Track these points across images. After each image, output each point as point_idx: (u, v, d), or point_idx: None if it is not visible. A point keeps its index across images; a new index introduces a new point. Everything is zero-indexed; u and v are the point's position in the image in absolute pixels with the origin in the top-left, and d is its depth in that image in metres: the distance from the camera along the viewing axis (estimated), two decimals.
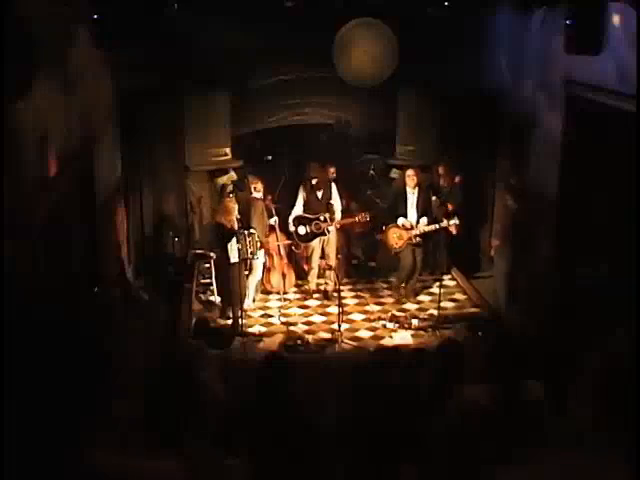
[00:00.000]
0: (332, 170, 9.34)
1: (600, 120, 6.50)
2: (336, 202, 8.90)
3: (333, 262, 8.85)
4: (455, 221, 8.44)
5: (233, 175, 9.53)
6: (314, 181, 8.77)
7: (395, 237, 8.64)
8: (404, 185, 8.71)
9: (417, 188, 8.61)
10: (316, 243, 8.92)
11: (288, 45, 8.89)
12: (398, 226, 8.65)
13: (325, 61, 8.47)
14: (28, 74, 4.36)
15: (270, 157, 10.07)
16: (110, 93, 8.34)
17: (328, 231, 8.78)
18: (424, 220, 8.60)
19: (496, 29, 9.10)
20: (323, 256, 9.07)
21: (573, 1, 5.98)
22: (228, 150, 9.30)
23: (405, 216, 8.64)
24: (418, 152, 9.48)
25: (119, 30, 6.24)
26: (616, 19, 5.95)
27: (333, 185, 8.89)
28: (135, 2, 6.97)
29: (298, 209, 8.87)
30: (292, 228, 8.88)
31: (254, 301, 8.97)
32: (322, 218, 8.74)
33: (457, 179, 9.36)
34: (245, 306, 8.71)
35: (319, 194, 8.82)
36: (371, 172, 10.09)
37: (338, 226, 8.85)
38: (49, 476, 1.84)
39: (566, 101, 7.21)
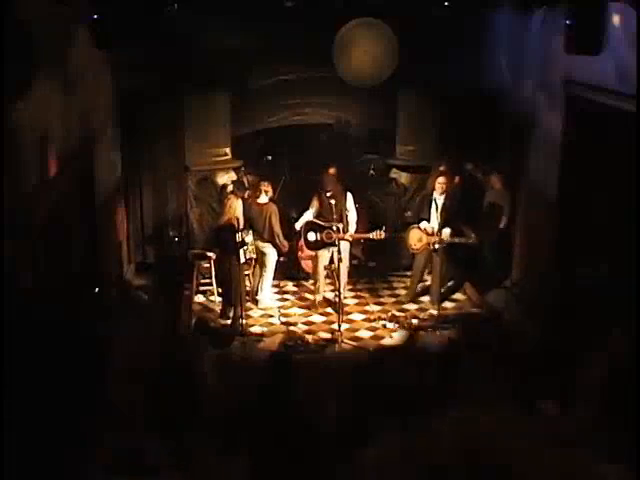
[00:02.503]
0: (332, 171, 9.32)
1: (600, 120, 6.51)
2: (351, 213, 8.55)
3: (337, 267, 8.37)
4: (474, 239, 8.26)
5: (233, 175, 9.53)
6: (329, 193, 8.41)
7: (415, 239, 8.46)
8: (432, 189, 8.52)
9: (444, 195, 8.40)
10: (324, 255, 8.61)
11: (288, 45, 8.88)
12: (420, 228, 8.48)
13: (325, 61, 8.46)
14: (28, 74, 4.36)
15: (270, 157, 10.07)
16: (110, 93, 8.35)
17: (339, 242, 8.26)
18: (447, 230, 8.33)
19: (496, 29, 9.11)
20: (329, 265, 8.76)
21: (573, 1, 5.97)
22: (228, 150, 9.31)
23: (428, 220, 8.45)
24: (418, 152, 9.48)
25: (119, 30, 6.25)
26: (616, 19, 5.96)
27: (349, 195, 8.55)
28: (135, 2, 6.98)
29: (307, 216, 8.55)
30: (298, 228, 8.58)
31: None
32: (335, 228, 8.30)
33: (457, 179, 9.35)
34: (262, 305, 8.79)
35: (333, 204, 8.39)
36: (371, 172, 10.08)
37: (351, 239, 8.49)
38: (50, 477, 1.84)
39: (566, 101, 7.21)
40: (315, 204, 8.54)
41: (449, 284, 9.02)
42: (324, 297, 8.94)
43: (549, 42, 7.48)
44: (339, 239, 8.26)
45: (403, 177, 10.10)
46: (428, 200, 8.56)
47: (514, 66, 8.73)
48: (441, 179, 8.46)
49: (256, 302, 8.83)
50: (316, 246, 8.52)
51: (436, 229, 8.40)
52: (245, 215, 8.45)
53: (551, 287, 7.46)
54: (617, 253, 6.40)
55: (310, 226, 8.48)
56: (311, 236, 8.48)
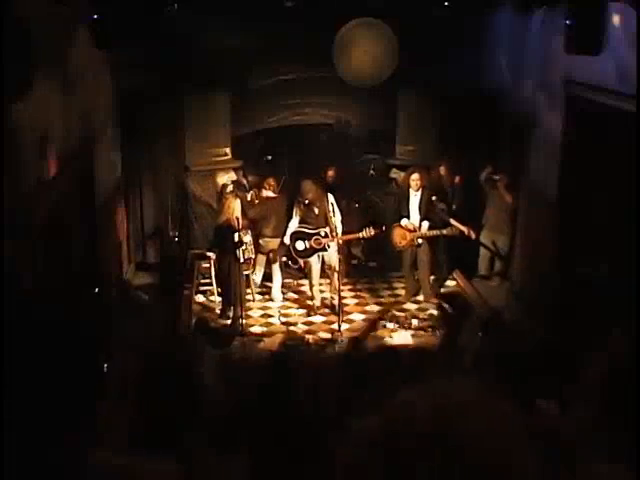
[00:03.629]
0: (331, 173, 9.32)
1: (600, 120, 6.51)
2: (335, 214, 8.37)
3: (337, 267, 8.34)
4: (454, 232, 8.38)
5: (233, 175, 9.53)
6: (307, 201, 8.32)
7: (399, 236, 8.58)
8: (408, 186, 8.62)
9: (420, 190, 8.52)
10: (315, 259, 8.49)
11: (288, 45, 8.89)
12: (401, 226, 8.59)
13: (325, 61, 8.47)
14: (27, 74, 4.36)
15: (270, 157, 10.07)
16: (110, 93, 8.34)
17: (328, 246, 8.28)
18: (425, 224, 8.48)
19: (496, 29, 9.11)
20: (323, 270, 8.67)
21: (573, 1, 5.98)
22: (228, 150, 9.31)
23: (408, 217, 8.56)
24: (418, 152, 9.48)
25: (119, 30, 6.25)
26: (616, 19, 5.96)
27: (330, 196, 8.36)
28: (135, 2, 6.98)
29: (293, 226, 8.44)
30: (287, 241, 8.46)
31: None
32: (323, 233, 8.22)
33: (457, 179, 9.35)
34: (278, 303, 8.82)
35: (316, 210, 8.34)
36: (371, 172, 10.09)
37: (341, 242, 8.36)
38: (49, 476, 1.84)
39: (566, 101, 7.21)
40: (297, 212, 8.44)
41: (433, 277, 9.02)
42: (322, 299, 8.83)
43: (549, 42, 7.48)
44: (329, 242, 8.21)
45: (403, 177, 10.11)
46: (405, 197, 8.63)
47: (514, 66, 8.73)
48: (414, 176, 8.54)
49: (268, 300, 8.84)
50: (306, 254, 8.41)
51: (417, 225, 8.51)
52: (251, 213, 8.45)
53: (551, 287, 7.46)
54: (617, 253, 6.40)
55: (297, 235, 8.35)
56: (300, 245, 8.35)
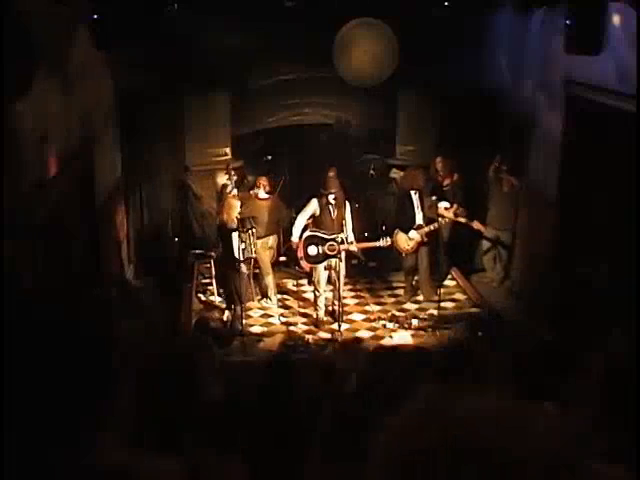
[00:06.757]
0: (331, 174, 9.31)
1: (600, 120, 6.51)
2: (348, 222, 8.01)
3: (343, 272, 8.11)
4: (445, 204, 8.34)
5: (233, 175, 9.53)
6: (332, 197, 7.88)
7: (405, 241, 8.40)
8: (409, 187, 8.46)
9: (420, 190, 8.38)
10: (322, 267, 8.08)
11: (288, 45, 8.89)
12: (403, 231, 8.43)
13: (325, 61, 8.48)
14: (28, 73, 4.36)
15: (270, 157, 10.07)
16: (110, 93, 8.35)
17: (340, 253, 7.83)
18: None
19: (496, 29, 9.11)
20: (330, 280, 8.35)
21: (573, 1, 5.99)
22: (228, 150, 9.31)
23: (413, 218, 8.34)
24: (418, 152, 9.49)
25: (119, 30, 6.25)
26: (616, 19, 5.96)
27: (347, 203, 8.05)
28: (135, 2, 6.99)
29: (301, 221, 8.05)
30: (295, 240, 8.08)
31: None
32: (339, 239, 7.78)
33: (455, 177, 9.32)
34: (274, 302, 8.73)
35: (334, 212, 7.92)
36: (371, 172, 10.09)
37: (357, 249, 8.18)
38: (49, 476, 1.84)
39: (566, 101, 7.22)
40: (314, 207, 8.02)
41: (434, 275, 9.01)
42: (331, 312, 8.50)
43: (549, 42, 7.49)
44: (344, 250, 7.87)
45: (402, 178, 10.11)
46: (408, 199, 8.44)
47: (514, 66, 8.74)
48: (420, 176, 8.46)
49: (268, 300, 8.76)
50: (317, 260, 7.99)
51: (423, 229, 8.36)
52: (247, 212, 8.45)
53: (551, 287, 7.47)
54: (617, 253, 6.40)
55: (311, 240, 7.93)
56: (312, 250, 7.91)
